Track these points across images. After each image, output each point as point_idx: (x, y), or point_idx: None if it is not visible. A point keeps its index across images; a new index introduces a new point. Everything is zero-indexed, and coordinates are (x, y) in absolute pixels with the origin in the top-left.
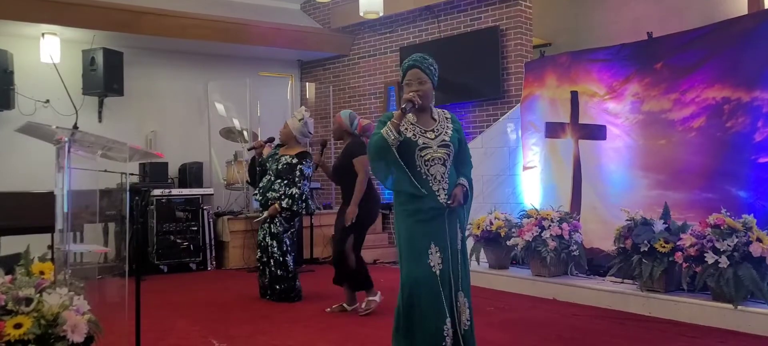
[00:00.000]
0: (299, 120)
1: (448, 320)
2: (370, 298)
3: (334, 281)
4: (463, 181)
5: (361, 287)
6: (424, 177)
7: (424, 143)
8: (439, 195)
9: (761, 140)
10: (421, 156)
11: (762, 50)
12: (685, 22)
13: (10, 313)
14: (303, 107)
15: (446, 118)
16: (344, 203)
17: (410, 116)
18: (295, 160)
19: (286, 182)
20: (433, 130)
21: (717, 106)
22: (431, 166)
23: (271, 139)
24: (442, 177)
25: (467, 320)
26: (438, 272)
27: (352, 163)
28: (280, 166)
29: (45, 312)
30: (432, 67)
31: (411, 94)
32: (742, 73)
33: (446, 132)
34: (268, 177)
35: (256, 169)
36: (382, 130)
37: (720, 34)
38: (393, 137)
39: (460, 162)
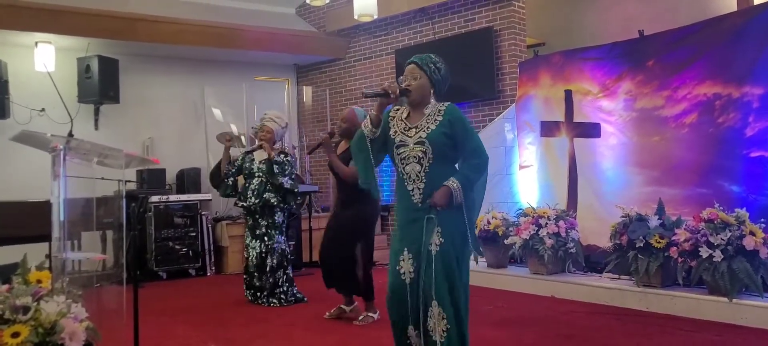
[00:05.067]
0: (283, 127)
1: (411, 328)
2: (369, 313)
3: (337, 289)
4: (450, 182)
5: (368, 297)
6: (402, 176)
7: (401, 141)
8: (413, 195)
9: (752, 135)
10: (398, 154)
11: (751, 46)
12: (676, 19)
13: (7, 322)
14: (277, 111)
15: (439, 111)
16: (339, 207)
17: (404, 113)
18: (281, 157)
19: (287, 176)
20: (416, 127)
21: (708, 102)
22: (407, 164)
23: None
24: (417, 176)
25: (443, 331)
26: (408, 280)
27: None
28: (275, 168)
29: (42, 321)
30: (431, 65)
31: (387, 83)
32: (733, 69)
33: (429, 127)
34: (258, 179)
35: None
36: (362, 124)
37: (710, 31)
38: (368, 129)
39: (462, 158)
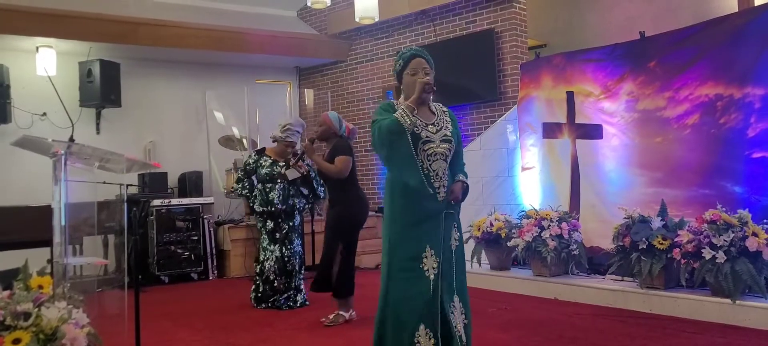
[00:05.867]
0: (301, 134)
1: (422, 326)
2: (341, 312)
3: (312, 288)
4: (462, 177)
5: (339, 295)
6: (426, 173)
7: (427, 136)
8: (439, 193)
9: (754, 136)
10: (424, 150)
11: (752, 47)
12: (677, 20)
13: (8, 328)
14: (297, 120)
15: (443, 112)
16: (330, 207)
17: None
18: (308, 167)
19: (320, 185)
20: (434, 124)
21: (710, 103)
22: (433, 161)
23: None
24: (443, 174)
25: (462, 325)
26: (432, 276)
27: (335, 160)
28: (314, 183)
29: (44, 326)
30: (432, 60)
31: (428, 77)
32: (734, 70)
33: (447, 127)
34: (281, 184)
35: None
36: (396, 115)
37: (711, 32)
38: (409, 122)
39: (455, 161)
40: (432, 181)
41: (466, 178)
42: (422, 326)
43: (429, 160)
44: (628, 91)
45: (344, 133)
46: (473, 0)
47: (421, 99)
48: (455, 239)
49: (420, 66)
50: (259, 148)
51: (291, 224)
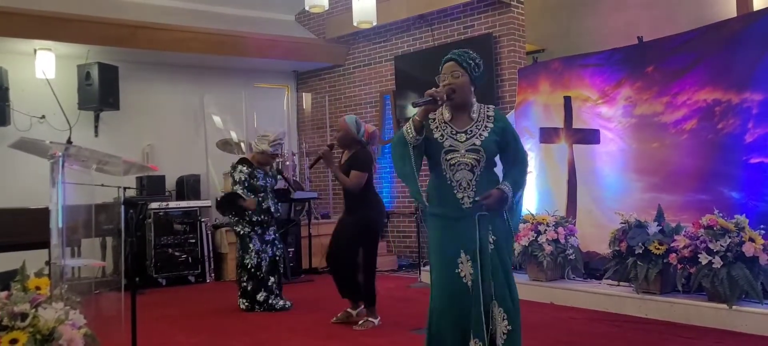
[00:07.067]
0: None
1: (476, 340)
2: (370, 318)
3: (341, 294)
4: (503, 186)
5: (370, 303)
6: (449, 183)
7: (450, 146)
8: (463, 203)
9: (752, 141)
10: (446, 160)
11: (751, 52)
12: (675, 26)
13: (6, 329)
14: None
15: (488, 116)
16: (345, 213)
17: (445, 113)
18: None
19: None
20: (465, 132)
21: (708, 108)
22: (456, 171)
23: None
24: (467, 184)
25: (504, 333)
26: (470, 282)
27: (350, 174)
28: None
29: (41, 327)
30: (471, 61)
31: (432, 89)
32: (732, 75)
33: (481, 134)
34: (271, 194)
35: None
36: (403, 128)
37: (709, 37)
38: (411, 136)
39: (508, 162)
40: (455, 191)
41: (516, 183)
42: (474, 342)
43: (452, 170)
44: (626, 96)
45: (363, 137)
46: (471, 5)
47: (456, 105)
48: (490, 242)
49: (449, 71)
50: (240, 157)
51: (276, 226)
